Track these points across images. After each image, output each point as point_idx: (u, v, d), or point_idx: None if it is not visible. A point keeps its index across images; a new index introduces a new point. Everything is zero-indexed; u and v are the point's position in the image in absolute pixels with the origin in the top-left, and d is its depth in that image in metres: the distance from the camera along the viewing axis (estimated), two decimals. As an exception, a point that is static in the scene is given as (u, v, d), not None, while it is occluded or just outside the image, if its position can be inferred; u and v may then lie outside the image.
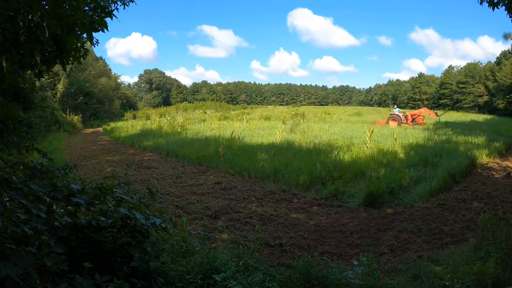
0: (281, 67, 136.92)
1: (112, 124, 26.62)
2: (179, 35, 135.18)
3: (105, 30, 2.21)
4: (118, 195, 2.34)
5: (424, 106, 54.70)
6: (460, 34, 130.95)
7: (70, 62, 2.27)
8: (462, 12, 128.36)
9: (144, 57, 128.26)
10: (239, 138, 13.84)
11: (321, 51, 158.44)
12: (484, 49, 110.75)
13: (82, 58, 2.29)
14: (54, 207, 2.00)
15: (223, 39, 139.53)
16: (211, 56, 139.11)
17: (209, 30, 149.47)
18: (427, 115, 25.56)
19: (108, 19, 2.29)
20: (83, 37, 2.25)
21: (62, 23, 1.94)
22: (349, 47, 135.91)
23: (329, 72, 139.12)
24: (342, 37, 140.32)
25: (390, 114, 25.12)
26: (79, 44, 2.25)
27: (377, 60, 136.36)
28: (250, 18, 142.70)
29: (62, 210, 2.23)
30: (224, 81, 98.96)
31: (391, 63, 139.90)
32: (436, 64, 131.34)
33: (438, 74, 77.56)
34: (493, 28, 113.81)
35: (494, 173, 9.13)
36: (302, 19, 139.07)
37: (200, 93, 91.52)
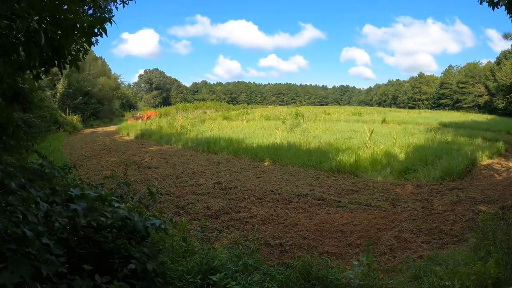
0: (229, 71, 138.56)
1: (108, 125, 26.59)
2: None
3: (103, 35, 2.20)
4: (117, 204, 2.33)
5: (425, 106, 54.86)
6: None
7: (68, 65, 2.26)
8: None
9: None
10: (239, 139, 13.84)
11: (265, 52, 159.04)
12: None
13: (80, 61, 2.28)
14: (53, 210, 2.00)
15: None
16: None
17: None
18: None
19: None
20: (82, 40, 2.24)
21: (60, 28, 1.94)
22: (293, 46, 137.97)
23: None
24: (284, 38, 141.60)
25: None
26: (76, 49, 2.24)
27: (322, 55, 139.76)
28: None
29: (62, 210, 2.23)
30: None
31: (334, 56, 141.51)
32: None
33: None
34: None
35: (495, 173, 9.13)
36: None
37: (200, 93, 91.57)
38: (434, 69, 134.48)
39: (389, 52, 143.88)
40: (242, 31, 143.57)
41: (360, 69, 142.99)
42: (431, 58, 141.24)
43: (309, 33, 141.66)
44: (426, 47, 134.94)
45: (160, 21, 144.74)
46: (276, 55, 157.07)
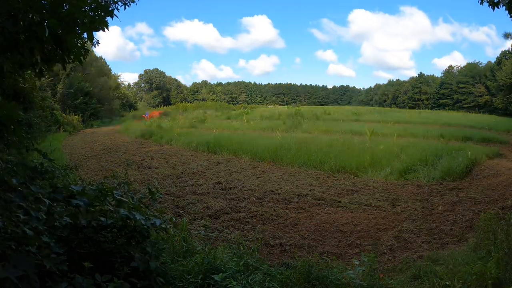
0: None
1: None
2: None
3: (105, 29, 2.19)
4: (118, 196, 2.33)
5: (425, 106, 54.61)
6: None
7: (70, 61, 2.26)
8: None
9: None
10: (239, 139, 13.85)
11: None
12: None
13: (83, 57, 2.27)
14: (54, 207, 2.00)
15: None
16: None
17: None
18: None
19: (108, 18, 2.28)
20: (83, 36, 2.24)
21: (62, 22, 1.93)
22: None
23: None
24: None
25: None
26: (79, 44, 2.24)
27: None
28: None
29: (62, 210, 2.23)
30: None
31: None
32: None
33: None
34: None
35: (495, 173, 9.12)
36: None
37: (200, 93, 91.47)
38: (411, 65, 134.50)
39: (360, 50, 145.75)
40: (203, 33, 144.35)
41: (334, 67, 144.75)
42: (407, 54, 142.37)
43: (270, 30, 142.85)
44: (399, 44, 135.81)
45: (122, 23, 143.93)
46: (243, 56, 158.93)
